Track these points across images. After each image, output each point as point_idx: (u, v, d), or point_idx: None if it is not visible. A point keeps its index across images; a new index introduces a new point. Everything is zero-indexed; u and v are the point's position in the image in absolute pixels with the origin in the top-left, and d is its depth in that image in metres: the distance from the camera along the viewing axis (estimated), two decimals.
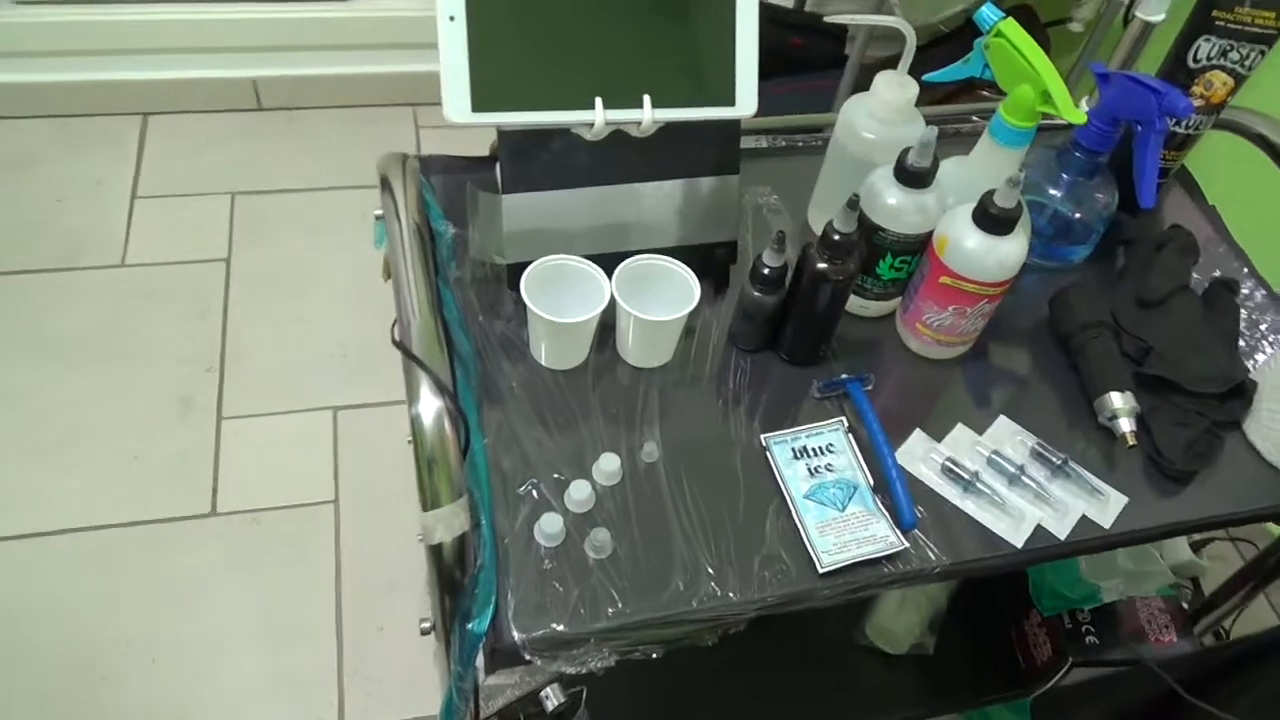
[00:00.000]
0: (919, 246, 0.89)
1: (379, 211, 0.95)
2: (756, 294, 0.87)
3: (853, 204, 0.80)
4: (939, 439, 0.88)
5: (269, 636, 1.55)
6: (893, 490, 0.83)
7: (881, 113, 0.92)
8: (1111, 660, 1.07)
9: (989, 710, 1.21)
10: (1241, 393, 0.92)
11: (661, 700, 1.17)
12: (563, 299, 0.86)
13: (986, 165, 0.91)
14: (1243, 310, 1.01)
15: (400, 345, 0.73)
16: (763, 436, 0.86)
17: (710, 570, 0.78)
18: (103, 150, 2.09)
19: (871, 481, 0.84)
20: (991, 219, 0.83)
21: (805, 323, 0.89)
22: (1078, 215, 1.01)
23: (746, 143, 1.08)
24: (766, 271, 0.86)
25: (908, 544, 0.80)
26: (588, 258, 0.87)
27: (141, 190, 2.04)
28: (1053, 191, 1.00)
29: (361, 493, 1.72)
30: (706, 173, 0.93)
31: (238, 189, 2.07)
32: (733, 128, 0.92)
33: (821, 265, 0.83)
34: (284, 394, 1.80)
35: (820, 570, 0.78)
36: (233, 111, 2.19)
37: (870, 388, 0.91)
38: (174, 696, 1.48)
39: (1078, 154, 0.97)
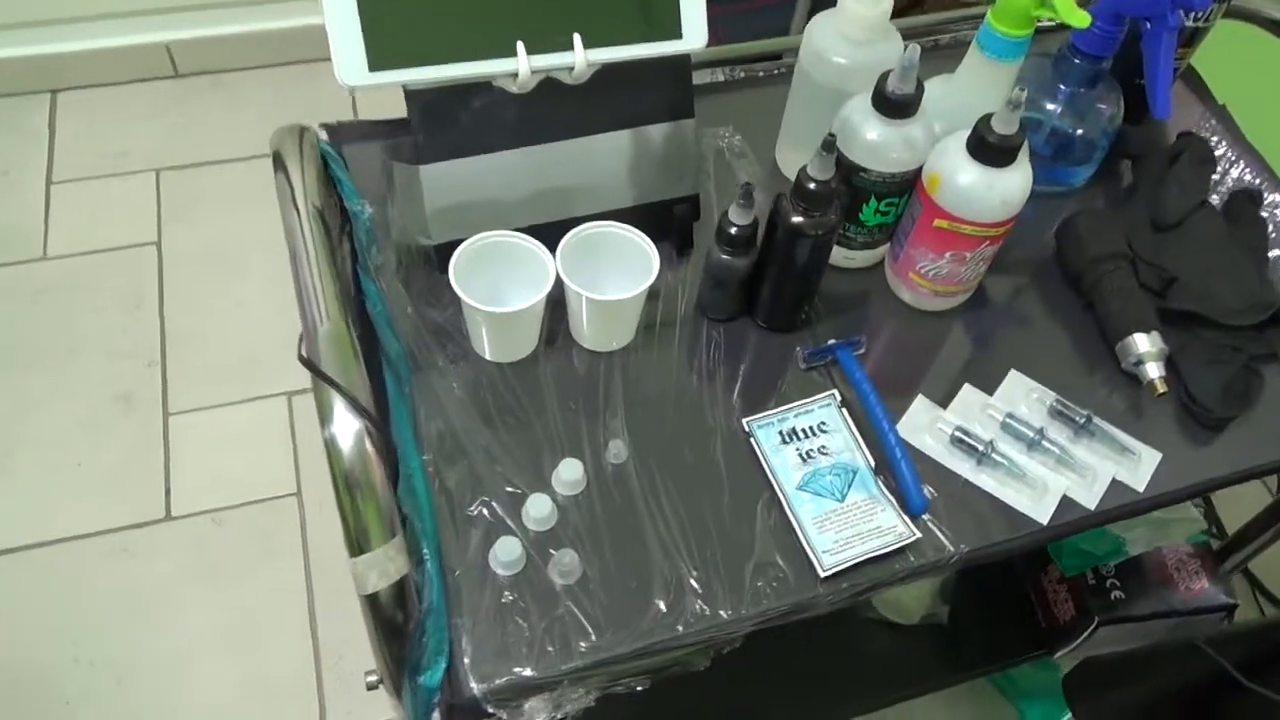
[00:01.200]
0: (906, 186, 0.77)
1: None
2: (725, 257, 0.75)
3: (829, 146, 0.68)
4: (944, 404, 0.78)
5: (240, 642, 1.45)
6: (897, 471, 0.73)
7: (852, 31, 0.80)
8: (1140, 615, 0.98)
9: (1013, 674, 1.13)
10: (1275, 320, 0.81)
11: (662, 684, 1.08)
12: (503, 281, 0.74)
13: (977, 84, 0.79)
14: (1270, 224, 0.90)
15: (306, 360, 0.62)
16: (744, 420, 0.75)
17: (696, 586, 0.67)
18: (8, 135, 1.92)
19: (873, 462, 0.73)
20: (990, 149, 0.71)
21: (783, 285, 0.77)
22: (1079, 131, 0.89)
23: (699, 77, 0.96)
24: (734, 231, 0.74)
25: (919, 533, 0.70)
26: (530, 230, 0.75)
27: (57, 175, 1.89)
28: (1050, 106, 0.88)
29: (326, 481, 1.60)
30: (657, 119, 0.80)
31: (162, 165, 1.91)
32: (682, 64, 0.79)
33: (797, 219, 0.72)
34: (233, 383, 1.68)
35: (822, 574, 0.68)
36: (148, 81, 2.02)
37: (862, 351, 0.80)
38: (143, 715, 1.39)
39: (1077, 61, 0.85)
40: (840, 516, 0.71)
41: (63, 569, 1.48)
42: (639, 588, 0.67)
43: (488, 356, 0.76)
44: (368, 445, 0.60)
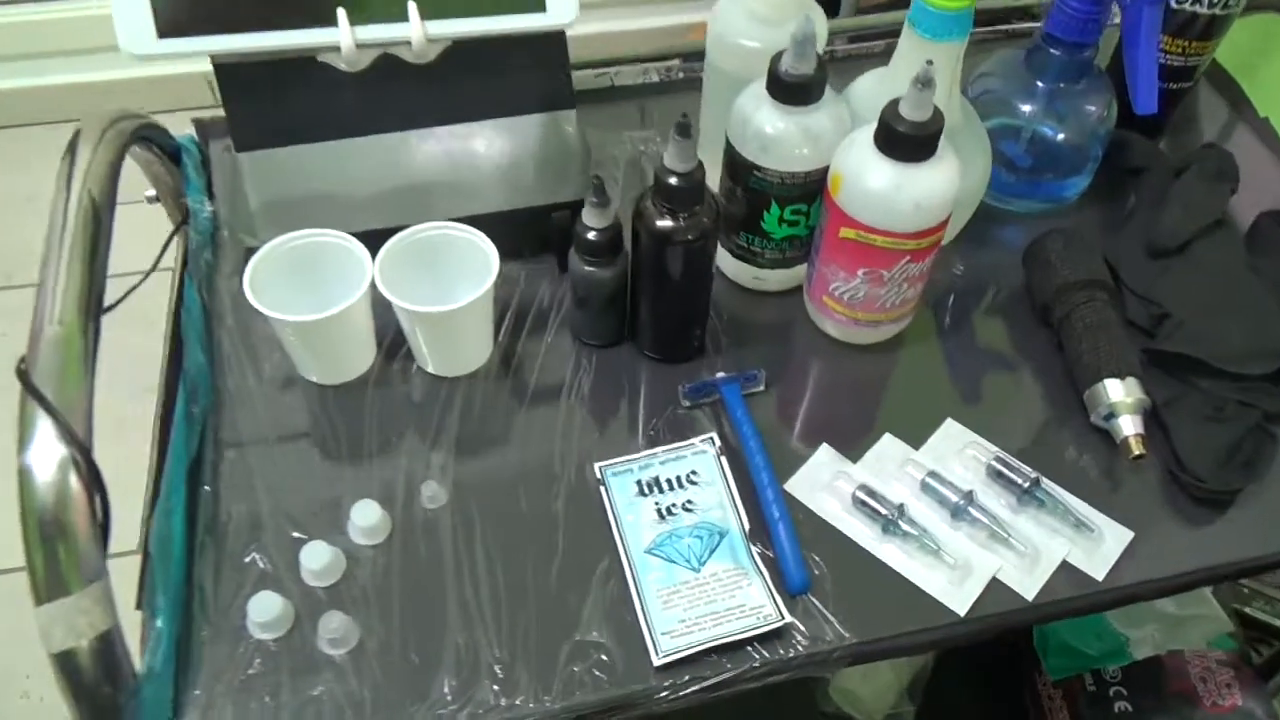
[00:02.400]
0: (815, 189, 0.63)
1: (151, 192, 0.75)
2: (587, 268, 0.63)
3: (683, 129, 0.55)
4: (856, 456, 0.63)
5: None
6: (774, 536, 0.58)
7: (761, 8, 0.67)
8: None
9: None
10: None
11: None
12: (336, 293, 0.63)
13: (911, 71, 0.65)
14: None
15: (20, 371, 0.51)
16: (597, 465, 0.62)
17: (496, 667, 0.54)
18: None
19: (747, 525, 0.59)
20: (900, 141, 0.57)
21: (660, 303, 0.64)
22: (1061, 136, 0.74)
23: (629, 76, 0.84)
24: (592, 236, 0.61)
25: (790, 616, 0.55)
26: (382, 236, 0.63)
27: None
28: (1025, 107, 0.73)
29: None
30: (528, 109, 0.69)
31: None
32: (556, 45, 0.67)
33: (663, 223, 0.59)
34: None
35: (656, 661, 0.54)
36: None
37: (760, 389, 0.66)
38: None
39: (1054, 50, 0.70)
40: (694, 590, 0.56)
41: None
42: (424, 664, 0.54)
43: (311, 377, 0.65)
44: (72, 477, 0.49)
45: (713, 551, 0.58)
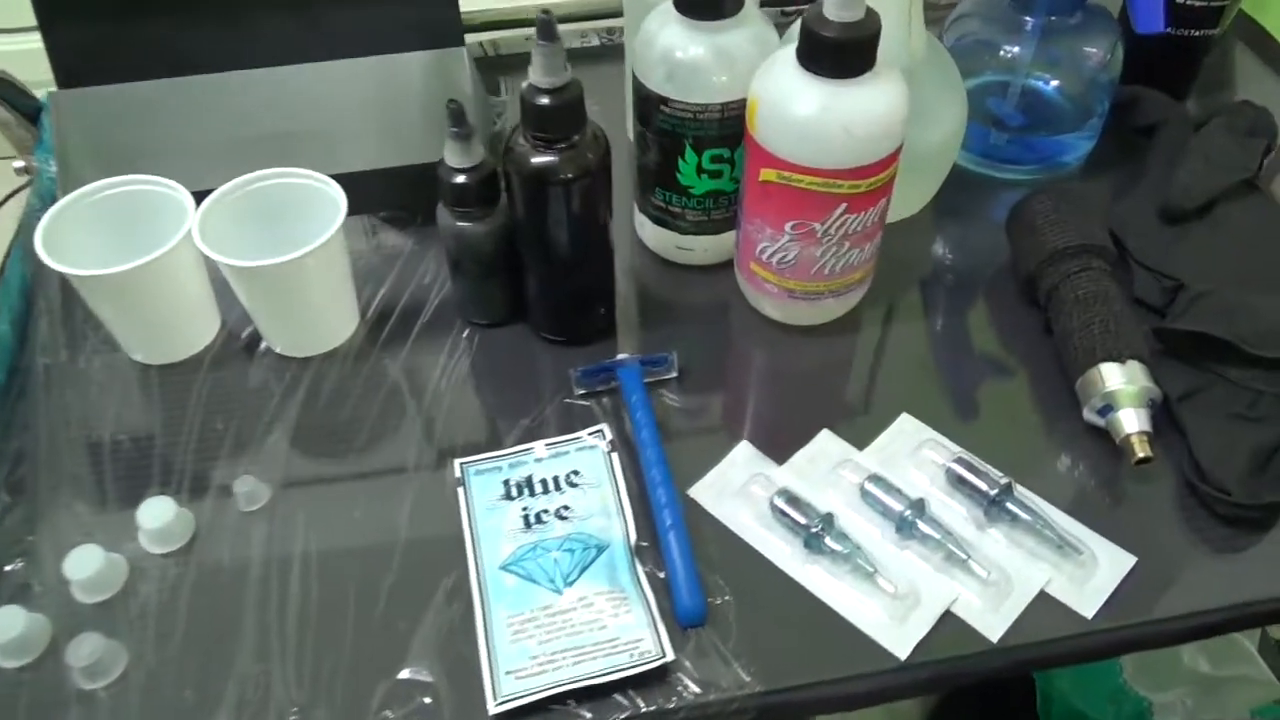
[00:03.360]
0: (739, 130, 0.52)
1: (19, 163, 0.66)
2: (458, 223, 0.52)
3: (546, 28, 0.44)
4: (782, 457, 0.50)
5: None
6: (665, 552, 0.45)
7: None
8: None
9: None
10: None
11: None
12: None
13: None
14: None
15: None
16: (458, 463, 0.50)
17: (290, 712, 0.42)
18: None
19: (633, 537, 0.47)
20: (822, 49, 0.45)
21: (546, 267, 0.52)
22: (1055, 83, 0.61)
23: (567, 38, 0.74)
24: (459, 180, 0.50)
25: (678, 655, 0.43)
26: None
27: None
28: (1011, 52, 0.61)
29: None
30: (412, 46, 0.59)
31: None
32: None
33: (537, 159, 0.47)
34: None
35: (492, 708, 0.41)
36: None
37: (672, 375, 0.53)
38: None
39: None
40: (554, 617, 0.44)
41: None
42: (199, 704, 0.42)
43: (136, 356, 0.55)
44: None
45: (584, 569, 0.45)
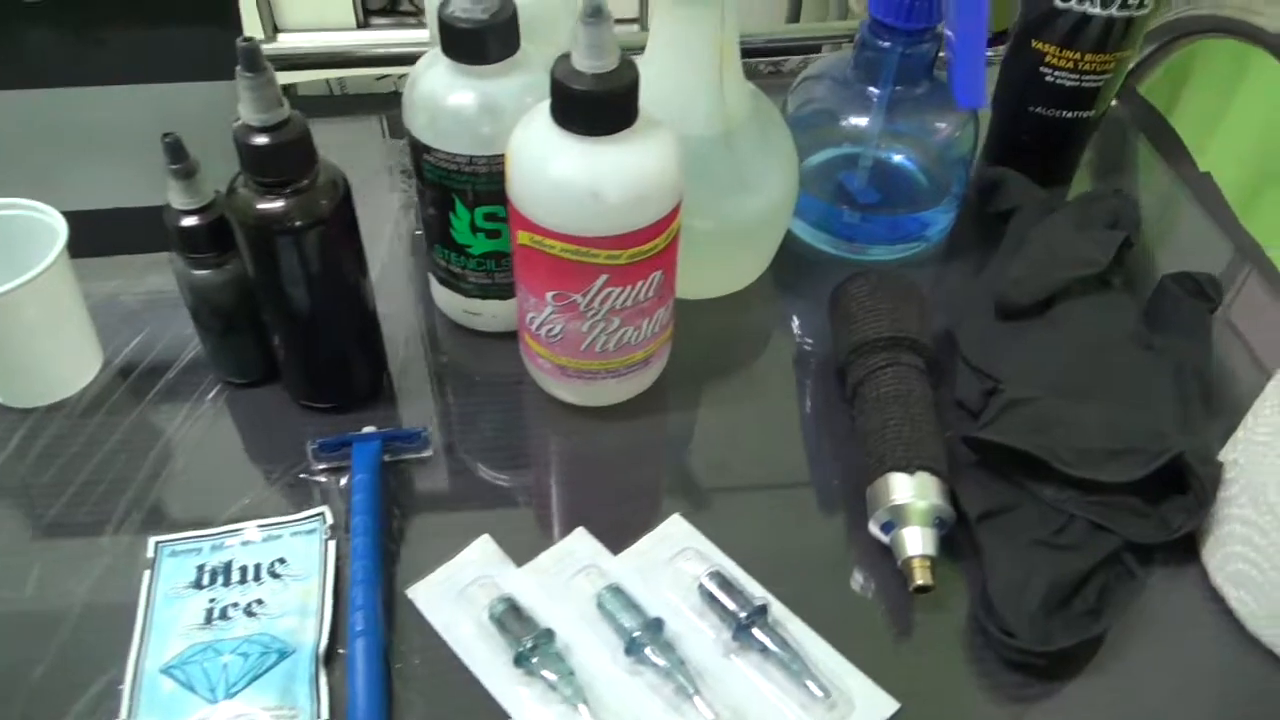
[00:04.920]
0: None
1: None
2: (194, 270, 0.46)
3: (250, 57, 0.39)
4: (526, 556, 0.44)
5: None
6: (349, 664, 0.39)
7: None
8: None
9: None
10: (1183, 483, 0.44)
11: None
12: None
13: (670, 39, 0.48)
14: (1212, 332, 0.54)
15: None
16: (154, 540, 0.44)
17: None
18: None
19: (324, 643, 0.40)
20: (570, 102, 0.40)
21: (287, 326, 0.47)
22: (897, 158, 0.56)
23: (361, 86, 0.69)
24: (187, 224, 0.45)
25: None
26: None
27: None
28: (856, 122, 0.56)
29: None
30: (191, 76, 0.54)
31: None
32: None
33: (264, 205, 0.42)
34: None
35: None
36: None
37: (426, 454, 0.48)
38: None
39: (883, 43, 0.53)
40: None
41: None
42: None
43: None
44: None
45: (255, 678, 0.39)
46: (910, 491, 0.43)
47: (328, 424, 0.49)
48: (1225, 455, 0.45)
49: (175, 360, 0.52)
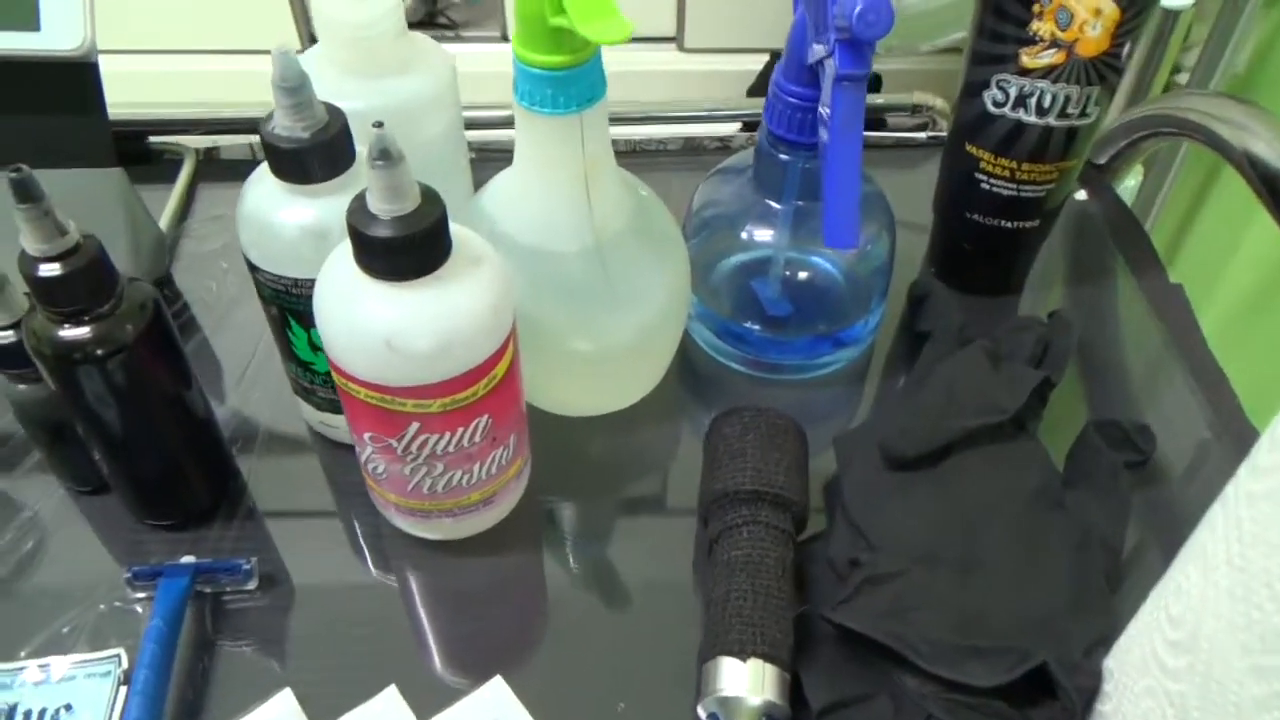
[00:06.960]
0: None
1: None
2: (13, 384, 0.44)
3: (22, 186, 0.36)
4: (331, 714, 0.41)
5: None
6: None
7: (345, 56, 0.48)
8: None
9: None
10: (1047, 682, 0.39)
11: None
12: None
13: (533, 161, 0.45)
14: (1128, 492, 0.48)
15: None
16: None
17: None
18: None
19: None
20: (366, 246, 0.37)
21: (104, 449, 0.44)
22: (802, 275, 0.52)
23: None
24: (7, 343, 0.43)
25: None
26: None
27: None
28: (761, 235, 0.52)
29: None
30: (56, 163, 0.52)
31: None
32: (79, 77, 0.50)
33: (62, 333, 0.40)
34: None
35: None
36: None
37: (250, 587, 0.45)
38: None
39: (780, 154, 0.49)
40: None
41: None
42: None
43: None
44: None
45: None
46: (743, 684, 0.38)
47: (163, 542, 0.47)
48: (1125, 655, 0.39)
49: (17, 466, 0.50)
